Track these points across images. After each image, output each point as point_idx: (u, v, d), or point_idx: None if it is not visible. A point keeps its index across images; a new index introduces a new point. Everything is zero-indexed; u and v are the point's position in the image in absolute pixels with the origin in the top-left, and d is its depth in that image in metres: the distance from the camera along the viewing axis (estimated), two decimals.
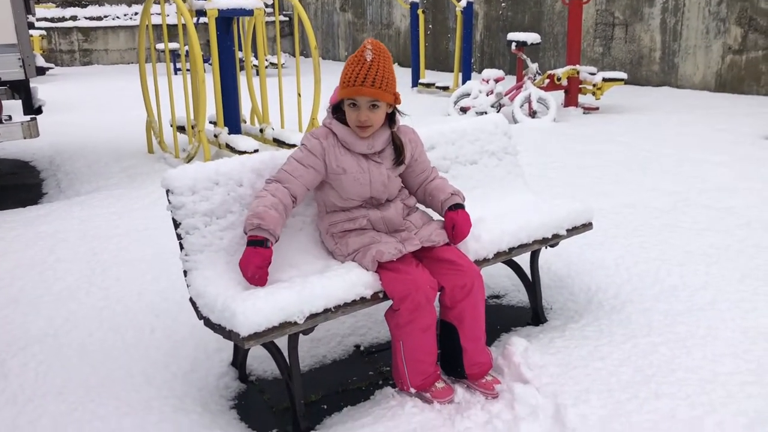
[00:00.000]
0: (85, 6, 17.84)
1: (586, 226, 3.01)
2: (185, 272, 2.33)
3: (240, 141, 5.71)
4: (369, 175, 2.42)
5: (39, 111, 5.62)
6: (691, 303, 3.04)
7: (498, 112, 8.10)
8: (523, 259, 3.04)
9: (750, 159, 5.75)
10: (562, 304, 3.20)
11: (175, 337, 2.88)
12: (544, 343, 2.72)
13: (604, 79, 8.40)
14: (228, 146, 5.83)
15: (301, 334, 2.23)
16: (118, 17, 17.88)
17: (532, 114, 7.92)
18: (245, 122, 6.99)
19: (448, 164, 3.00)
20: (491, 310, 3.13)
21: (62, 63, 17.28)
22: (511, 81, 9.21)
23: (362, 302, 2.29)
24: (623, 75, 8.48)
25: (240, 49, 7.04)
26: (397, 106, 2.47)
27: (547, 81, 8.43)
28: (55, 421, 2.32)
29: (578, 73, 8.49)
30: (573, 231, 2.94)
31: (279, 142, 6.17)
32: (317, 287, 2.18)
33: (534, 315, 3.05)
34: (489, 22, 13.54)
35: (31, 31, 6.47)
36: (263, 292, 2.16)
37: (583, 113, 8.43)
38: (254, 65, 10.02)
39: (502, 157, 3.21)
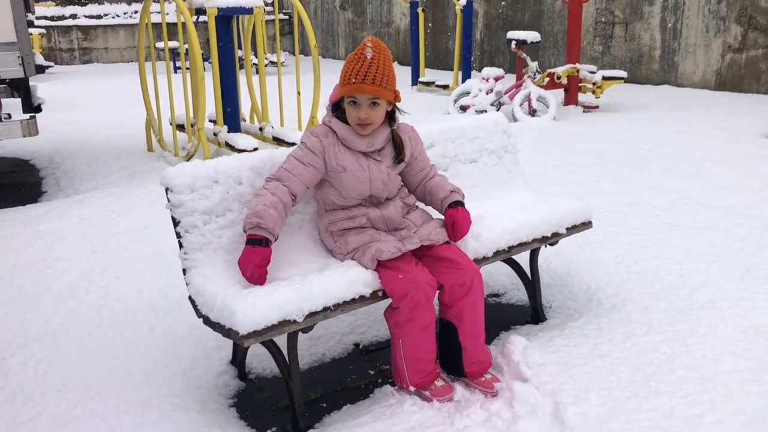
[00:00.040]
0: (84, 4, 17.83)
1: (586, 225, 3.01)
2: (184, 270, 2.33)
3: (239, 139, 5.71)
4: (369, 173, 2.42)
5: (38, 109, 5.62)
6: (691, 301, 3.04)
7: (498, 110, 8.09)
8: (523, 258, 3.04)
9: (750, 157, 5.74)
10: (562, 303, 3.20)
11: (174, 336, 2.88)
12: (544, 341, 2.72)
13: (604, 78, 8.40)
14: (227, 145, 5.82)
15: (300, 333, 2.22)
16: (117, 16, 17.87)
17: (532, 112, 7.92)
18: (245, 121, 6.99)
19: (447, 162, 3.00)
20: (491, 308, 3.13)
21: (62, 61, 17.26)
22: (510, 79, 9.21)
23: (361, 301, 2.29)
24: (623, 73, 8.48)
25: (240, 48, 7.03)
26: (396, 104, 2.46)
27: (546, 79, 8.42)
28: (54, 420, 2.32)
29: (578, 71, 8.49)
30: (573, 229, 2.94)
31: (278, 141, 6.16)
32: (316, 285, 2.18)
33: (533, 313, 3.05)
34: (489, 20, 13.53)
35: (30, 30, 6.46)
36: (262, 290, 2.16)
37: (583, 112, 8.43)
38: (254, 64, 10.01)
39: (502, 155, 3.21)
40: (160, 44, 14.47)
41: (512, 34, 8.50)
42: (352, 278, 2.26)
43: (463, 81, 9.66)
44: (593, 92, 8.50)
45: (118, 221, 4.40)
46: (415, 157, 2.59)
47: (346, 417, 2.32)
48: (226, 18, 5.94)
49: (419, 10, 11.01)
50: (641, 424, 2.17)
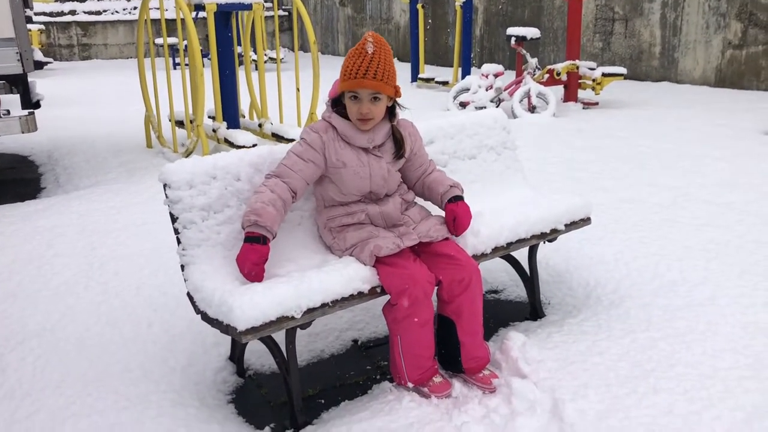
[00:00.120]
0: (83, 0, 17.79)
1: (585, 221, 3.00)
2: (182, 267, 2.32)
3: (238, 136, 5.70)
4: (369, 168, 2.42)
5: (37, 105, 5.61)
6: (691, 298, 3.04)
7: (497, 106, 8.07)
8: (522, 254, 3.04)
9: (750, 154, 5.74)
10: (561, 299, 3.20)
11: (172, 332, 2.88)
12: (542, 338, 2.71)
13: (604, 74, 8.38)
14: (226, 141, 5.81)
15: (298, 329, 2.22)
16: (117, 12, 17.83)
17: (532, 109, 7.90)
18: (244, 117, 6.98)
19: (446, 159, 2.99)
20: (489, 304, 3.13)
21: (61, 57, 17.23)
22: (510, 76, 9.18)
23: (360, 297, 2.29)
24: (623, 70, 8.46)
25: (239, 44, 7.02)
26: (397, 99, 2.46)
27: (546, 76, 8.41)
28: (53, 416, 2.31)
29: (578, 68, 8.48)
30: (571, 226, 2.93)
31: (278, 137, 6.15)
32: (315, 282, 2.18)
33: (532, 310, 3.05)
34: (488, 16, 13.51)
35: (29, 26, 6.46)
36: (261, 286, 2.15)
37: (583, 108, 8.42)
38: (253, 60, 10.00)
39: (501, 151, 3.20)
40: (159, 40, 14.46)
41: (512, 31, 8.47)
42: (351, 274, 2.26)
43: (463, 77, 9.65)
44: (593, 89, 8.48)
45: (117, 217, 4.39)
46: (415, 152, 2.58)
47: (344, 413, 2.32)
48: (225, 14, 5.93)
49: (419, 6, 10.99)
50: (640, 420, 2.17)
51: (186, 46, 6.74)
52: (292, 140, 5.65)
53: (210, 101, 6.27)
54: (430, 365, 2.39)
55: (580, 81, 8.56)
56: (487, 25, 13.55)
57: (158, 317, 3.01)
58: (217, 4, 5.65)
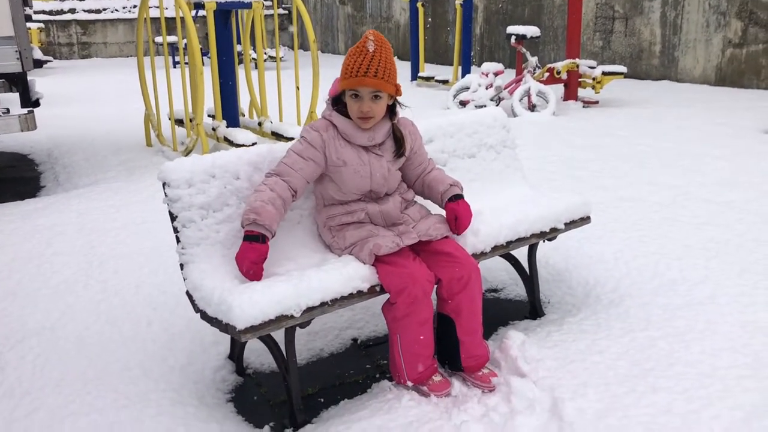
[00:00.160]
0: None
1: (584, 220, 3.00)
2: (182, 265, 2.32)
3: (238, 134, 5.70)
4: (369, 167, 2.42)
5: (36, 104, 5.60)
6: (690, 297, 3.04)
7: (497, 105, 8.07)
8: (521, 253, 3.03)
9: (750, 153, 5.73)
10: (560, 298, 3.20)
11: (172, 330, 2.88)
12: (542, 336, 2.71)
13: (604, 73, 8.38)
14: (226, 139, 5.81)
15: (298, 328, 2.22)
16: (116, 10, 17.81)
17: (532, 107, 7.90)
18: (243, 116, 6.97)
19: (446, 157, 2.99)
20: (489, 303, 3.13)
21: (61, 56, 17.22)
22: (510, 74, 9.18)
23: (359, 296, 2.28)
24: (623, 69, 8.46)
25: (239, 43, 7.02)
26: (397, 97, 2.46)
27: (546, 74, 8.40)
28: (53, 414, 2.31)
29: (578, 66, 8.47)
30: (571, 225, 2.93)
31: (277, 136, 6.15)
32: (314, 280, 2.18)
33: (531, 309, 3.05)
34: (488, 15, 13.50)
35: (29, 24, 6.46)
36: (260, 285, 2.15)
37: (583, 107, 8.41)
38: (253, 58, 9.99)
39: (501, 150, 3.20)
40: (159, 39, 14.44)
41: (512, 29, 8.47)
42: (350, 273, 2.26)
43: (463, 76, 9.64)
44: (593, 87, 8.48)
45: (116, 216, 4.39)
46: (415, 151, 2.58)
47: (343, 412, 2.32)
48: (224, 12, 5.93)
49: (419, 5, 10.98)
50: (639, 419, 2.17)
51: (186, 44, 6.73)
52: (291, 139, 5.64)
53: (209, 100, 6.27)
54: (429, 364, 2.39)
55: (580, 79, 8.55)
56: (487, 23, 13.54)
57: (157, 316, 3.01)
58: (216, 2, 5.65)
